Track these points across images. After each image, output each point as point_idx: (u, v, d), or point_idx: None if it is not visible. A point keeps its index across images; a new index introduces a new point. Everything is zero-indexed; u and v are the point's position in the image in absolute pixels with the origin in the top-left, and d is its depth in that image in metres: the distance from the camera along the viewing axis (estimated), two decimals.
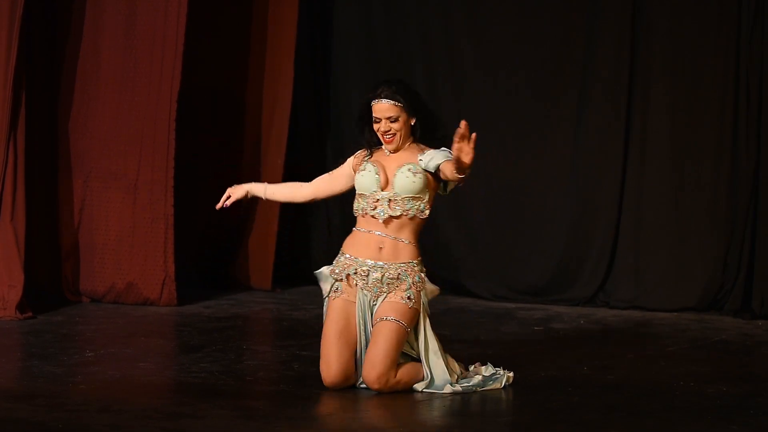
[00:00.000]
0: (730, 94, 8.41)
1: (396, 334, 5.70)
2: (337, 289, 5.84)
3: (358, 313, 5.78)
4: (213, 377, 6.01)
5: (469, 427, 5.35)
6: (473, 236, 8.99)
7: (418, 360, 5.82)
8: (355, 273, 5.80)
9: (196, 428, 5.08)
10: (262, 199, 6.12)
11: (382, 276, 5.76)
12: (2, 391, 5.63)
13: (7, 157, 7.66)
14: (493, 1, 8.89)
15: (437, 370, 5.78)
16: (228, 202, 6.08)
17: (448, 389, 5.76)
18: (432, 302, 5.87)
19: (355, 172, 5.90)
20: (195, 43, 8.40)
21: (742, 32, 8.36)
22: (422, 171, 5.77)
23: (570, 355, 6.83)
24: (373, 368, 5.67)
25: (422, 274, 5.82)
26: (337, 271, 5.86)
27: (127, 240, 8.17)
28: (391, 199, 5.79)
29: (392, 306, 5.74)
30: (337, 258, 5.90)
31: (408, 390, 5.76)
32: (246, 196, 6.09)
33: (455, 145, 5.35)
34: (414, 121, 5.85)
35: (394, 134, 5.82)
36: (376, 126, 5.84)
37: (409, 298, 5.76)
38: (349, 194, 5.97)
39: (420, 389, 5.77)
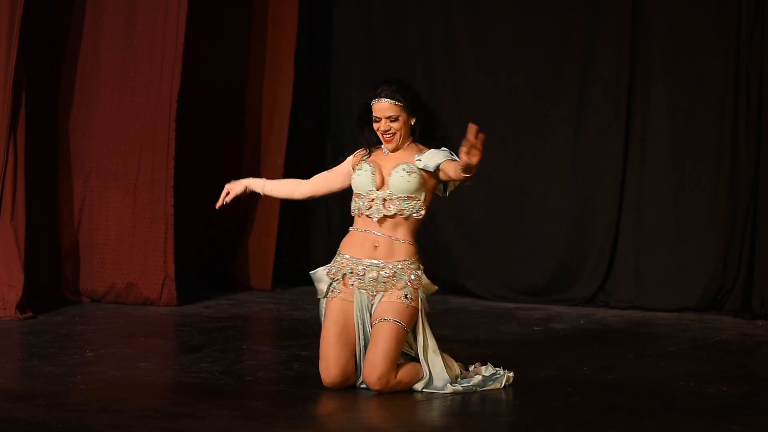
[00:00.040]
0: (730, 94, 8.41)
1: (395, 334, 5.70)
2: (334, 289, 5.84)
3: (356, 313, 5.77)
4: (213, 377, 6.00)
5: (469, 427, 5.35)
6: (473, 236, 8.99)
7: (417, 359, 5.83)
8: (351, 273, 5.80)
9: (196, 428, 5.08)
10: (260, 194, 6.13)
11: (378, 275, 5.77)
12: (2, 391, 5.62)
13: (7, 157, 7.65)
14: (493, 1, 8.89)
15: (436, 368, 5.78)
16: (228, 199, 6.08)
17: (448, 389, 5.76)
18: (432, 302, 5.87)
19: (354, 170, 5.91)
20: (195, 43, 8.39)
21: (742, 32, 8.35)
22: (418, 171, 5.76)
23: (570, 355, 6.83)
24: (374, 369, 5.67)
25: (419, 272, 5.82)
26: (333, 271, 5.86)
27: (127, 240, 8.17)
28: (386, 198, 5.78)
29: (390, 306, 5.73)
30: (334, 258, 5.91)
31: (408, 390, 5.76)
32: (245, 191, 6.09)
33: (464, 148, 5.35)
34: (414, 120, 5.85)
35: (394, 134, 5.82)
36: (375, 125, 5.84)
37: (406, 296, 5.75)
38: (350, 194, 5.96)
39: (419, 388, 5.77)
